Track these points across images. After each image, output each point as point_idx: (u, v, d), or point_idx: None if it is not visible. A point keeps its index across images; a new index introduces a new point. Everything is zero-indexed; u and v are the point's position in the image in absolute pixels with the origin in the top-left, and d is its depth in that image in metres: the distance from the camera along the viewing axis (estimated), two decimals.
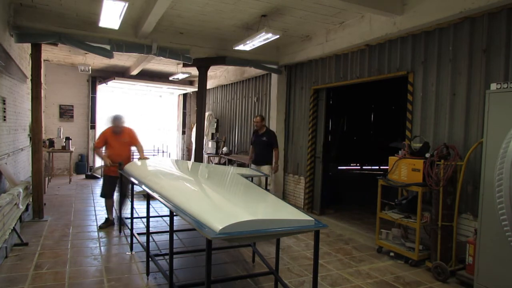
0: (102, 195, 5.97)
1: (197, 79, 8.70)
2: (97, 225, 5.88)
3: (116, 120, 5.76)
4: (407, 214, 4.69)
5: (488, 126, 3.57)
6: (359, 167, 11.55)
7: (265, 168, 6.24)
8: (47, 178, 8.78)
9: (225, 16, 5.98)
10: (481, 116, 4.14)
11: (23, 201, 5.27)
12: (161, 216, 6.48)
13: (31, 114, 6.18)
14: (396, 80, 5.84)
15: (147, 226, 4.21)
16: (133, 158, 6.11)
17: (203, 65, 7.78)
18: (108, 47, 6.27)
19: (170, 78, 11.41)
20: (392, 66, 5.59)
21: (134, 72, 10.79)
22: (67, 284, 3.71)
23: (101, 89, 12.30)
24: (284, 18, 5.95)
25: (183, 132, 14.47)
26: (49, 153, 9.51)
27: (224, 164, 9.94)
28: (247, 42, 6.15)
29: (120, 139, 5.76)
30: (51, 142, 9.70)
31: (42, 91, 7.23)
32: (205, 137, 10.17)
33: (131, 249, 4.76)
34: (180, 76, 10.77)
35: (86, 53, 8.45)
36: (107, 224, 5.81)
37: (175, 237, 5.18)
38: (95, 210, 6.87)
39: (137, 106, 14.69)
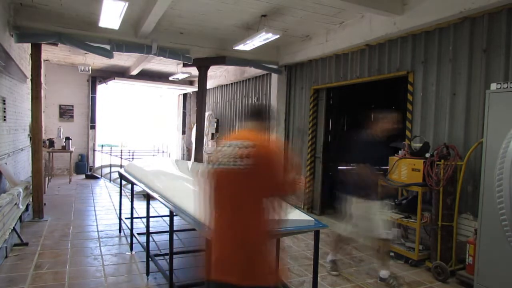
0: None
1: (197, 79, 8.70)
2: (97, 225, 5.88)
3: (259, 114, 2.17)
4: (407, 214, 4.68)
5: (488, 126, 3.57)
6: None
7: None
8: (47, 178, 8.78)
9: (225, 16, 5.97)
10: (481, 116, 4.14)
11: (23, 201, 5.27)
12: (161, 216, 6.47)
13: (31, 114, 6.17)
14: (396, 80, 5.84)
15: (147, 226, 4.21)
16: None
17: (203, 65, 7.78)
18: (108, 47, 6.27)
19: (170, 78, 11.41)
20: (392, 66, 5.59)
21: (134, 72, 10.79)
22: (67, 284, 3.71)
23: (101, 89, 12.30)
24: (284, 18, 5.94)
25: (183, 132, 14.47)
26: (49, 153, 9.50)
27: None
28: (247, 42, 6.15)
29: (241, 179, 1.86)
30: (51, 142, 9.70)
31: (42, 91, 7.23)
32: (205, 137, 10.17)
33: (131, 249, 4.77)
34: (180, 76, 10.77)
35: (86, 53, 8.45)
36: None
37: (175, 237, 5.17)
38: (95, 210, 6.87)
39: (137, 106, 14.71)
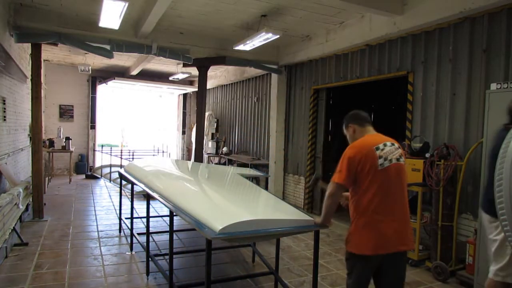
0: None
1: (197, 79, 8.69)
2: (97, 225, 5.88)
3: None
4: None
5: (488, 126, 3.57)
6: None
7: None
8: (47, 178, 8.78)
9: (225, 16, 5.97)
10: (481, 116, 4.14)
11: (23, 201, 5.27)
12: (161, 216, 6.48)
13: (31, 114, 6.18)
14: (396, 80, 5.84)
15: (147, 226, 4.21)
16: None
17: (203, 65, 7.77)
18: (108, 47, 6.27)
19: (170, 78, 11.41)
20: (392, 66, 5.59)
21: (134, 72, 10.79)
22: (67, 284, 3.71)
23: (101, 89, 12.31)
24: (284, 18, 5.94)
25: (183, 132, 14.47)
26: (49, 153, 9.51)
27: (224, 164, 9.94)
28: (247, 42, 6.14)
29: (400, 174, 2.48)
30: (51, 142, 9.70)
31: (42, 91, 7.23)
32: (205, 137, 10.18)
33: (131, 249, 4.77)
34: (180, 76, 10.77)
35: (86, 53, 8.45)
36: None
37: (175, 237, 5.18)
38: (95, 210, 6.87)
39: (137, 106, 14.71)
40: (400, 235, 2.42)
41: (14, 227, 4.56)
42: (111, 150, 11.62)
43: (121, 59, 9.98)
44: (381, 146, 2.44)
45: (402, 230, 2.44)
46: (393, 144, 2.50)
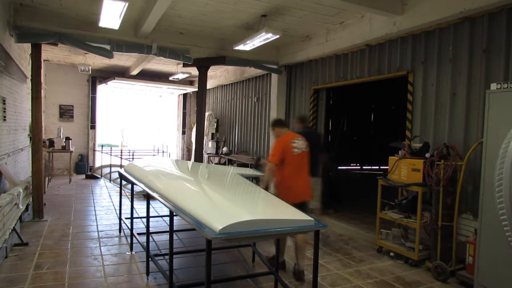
0: None
1: (197, 79, 8.70)
2: (97, 225, 5.88)
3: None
4: (407, 214, 4.68)
5: (488, 126, 3.57)
6: (359, 167, 11.57)
7: None
8: (47, 178, 8.78)
9: (225, 16, 5.98)
10: (481, 116, 4.14)
11: (23, 201, 5.27)
12: (161, 216, 6.48)
13: (31, 114, 6.17)
14: (396, 80, 5.84)
15: (147, 226, 4.21)
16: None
17: (203, 65, 7.78)
18: (108, 47, 6.27)
19: (170, 78, 11.41)
20: (392, 66, 5.59)
21: (134, 72, 10.79)
22: (67, 284, 3.71)
23: (101, 89, 12.31)
24: (284, 18, 5.95)
25: (183, 132, 14.47)
26: (49, 153, 9.50)
27: (224, 164, 9.94)
28: (247, 42, 6.15)
29: (305, 157, 4.19)
30: (51, 142, 9.70)
31: (42, 91, 7.23)
32: (205, 137, 10.18)
33: (131, 249, 4.76)
34: (180, 76, 10.77)
35: (86, 53, 8.46)
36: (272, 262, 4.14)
37: (175, 237, 5.18)
38: (95, 210, 6.87)
39: (137, 106, 14.71)
40: (306, 190, 4.10)
41: (14, 227, 4.56)
42: (111, 150, 11.62)
43: (121, 59, 9.98)
44: (295, 140, 4.10)
45: (307, 188, 4.12)
46: (301, 139, 4.16)
